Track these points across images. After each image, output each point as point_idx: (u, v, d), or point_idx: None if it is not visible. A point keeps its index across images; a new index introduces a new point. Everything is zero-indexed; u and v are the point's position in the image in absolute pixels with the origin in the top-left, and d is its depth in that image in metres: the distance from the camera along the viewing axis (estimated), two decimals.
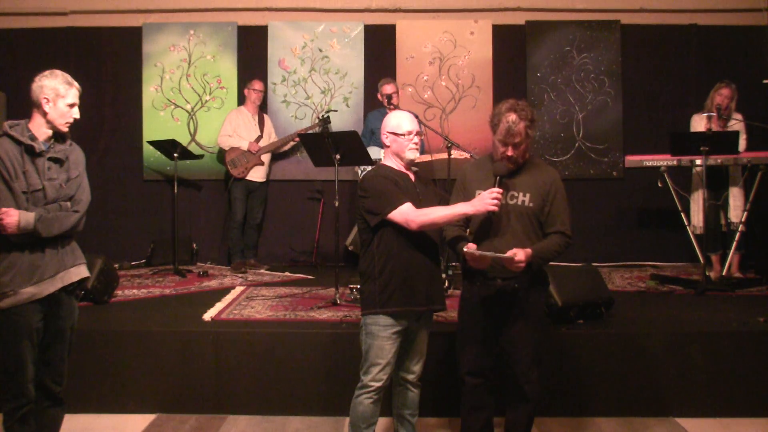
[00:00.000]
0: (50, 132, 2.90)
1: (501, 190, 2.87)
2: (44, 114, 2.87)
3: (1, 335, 2.83)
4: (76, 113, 2.92)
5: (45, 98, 2.85)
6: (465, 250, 2.87)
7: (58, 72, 2.91)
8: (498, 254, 2.81)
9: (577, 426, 3.78)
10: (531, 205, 2.94)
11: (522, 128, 2.87)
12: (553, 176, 3.03)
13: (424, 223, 2.95)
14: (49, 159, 2.88)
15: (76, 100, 2.93)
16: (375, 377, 3.01)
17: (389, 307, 2.99)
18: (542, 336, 3.16)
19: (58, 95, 2.86)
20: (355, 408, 3.05)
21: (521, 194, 2.96)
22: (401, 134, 3.10)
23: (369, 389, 3.02)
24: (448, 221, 2.99)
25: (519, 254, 2.81)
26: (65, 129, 2.92)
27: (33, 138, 2.86)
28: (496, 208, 2.85)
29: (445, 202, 3.19)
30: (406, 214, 2.95)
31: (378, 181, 3.04)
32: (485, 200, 2.85)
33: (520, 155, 2.95)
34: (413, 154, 3.12)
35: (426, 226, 2.97)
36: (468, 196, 2.98)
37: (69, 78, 2.92)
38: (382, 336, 3.00)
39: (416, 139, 3.12)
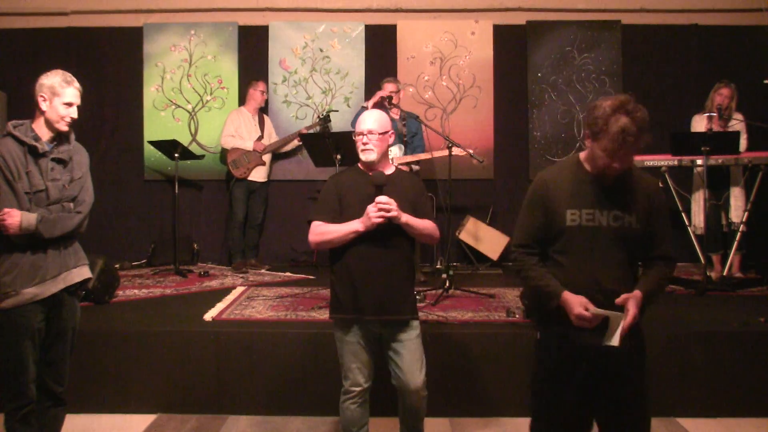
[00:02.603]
0: (53, 132, 2.89)
1: (389, 200, 2.74)
2: (42, 113, 2.86)
3: (2, 335, 2.82)
4: (73, 113, 2.89)
5: (42, 97, 2.84)
6: (586, 312, 2.29)
7: (58, 71, 2.89)
8: (614, 312, 2.29)
9: None
10: (638, 226, 2.38)
11: (636, 133, 2.25)
12: (654, 186, 2.47)
13: (318, 241, 2.94)
14: (53, 160, 2.87)
15: (75, 100, 2.89)
16: (353, 382, 2.98)
17: (339, 313, 2.97)
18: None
19: (55, 94, 2.84)
20: (343, 413, 3.04)
21: (626, 214, 2.37)
22: (356, 134, 2.99)
23: (351, 394, 2.99)
24: (342, 239, 2.86)
25: (631, 307, 2.29)
26: (63, 128, 2.89)
27: (36, 138, 2.84)
28: (381, 220, 2.76)
29: (420, 214, 2.94)
30: (311, 229, 2.95)
31: (325, 187, 3.05)
32: (369, 215, 2.75)
33: (627, 166, 2.36)
34: (365, 156, 2.95)
35: (321, 245, 2.94)
36: (549, 214, 2.42)
37: (68, 77, 2.89)
38: (345, 340, 2.97)
39: (365, 139, 2.94)
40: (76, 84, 2.91)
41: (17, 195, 2.78)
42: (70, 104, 2.87)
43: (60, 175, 2.89)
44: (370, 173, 2.93)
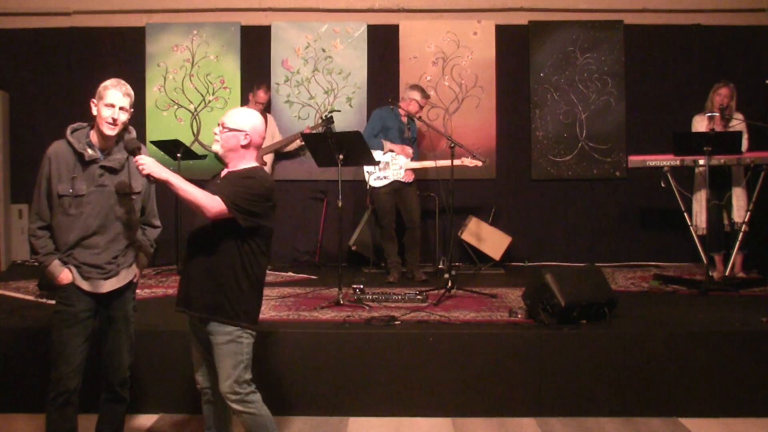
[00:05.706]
0: (105, 137, 2.92)
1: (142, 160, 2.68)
2: (94, 119, 2.91)
3: (54, 322, 2.91)
4: (115, 114, 2.87)
5: (93, 102, 2.91)
6: None
7: (114, 78, 2.94)
8: None
9: (580, 425, 3.78)
10: None
11: None
12: None
13: None
14: (102, 167, 2.90)
15: (117, 101, 2.88)
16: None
17: None
18: None
19: (100, 98, 2.89)
20: None
21: None
22: None
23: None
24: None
25: None
26: (107, 132, 2.88)
27: (90, 145, 2.89)
28: (149, 173, 2.67)
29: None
30: None
31: None
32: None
33: None
34: (215, 147, 2.94)
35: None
36: None
37: (116, 81, 2.91)
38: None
39: (216, 131, 2.92)
40: (122, 88, 2.91)
41: (51, 197, 2.86)
42: (111, 105, 2.87)
43: (109, 182, 2.92)
44: (228, 166, 2.94)
